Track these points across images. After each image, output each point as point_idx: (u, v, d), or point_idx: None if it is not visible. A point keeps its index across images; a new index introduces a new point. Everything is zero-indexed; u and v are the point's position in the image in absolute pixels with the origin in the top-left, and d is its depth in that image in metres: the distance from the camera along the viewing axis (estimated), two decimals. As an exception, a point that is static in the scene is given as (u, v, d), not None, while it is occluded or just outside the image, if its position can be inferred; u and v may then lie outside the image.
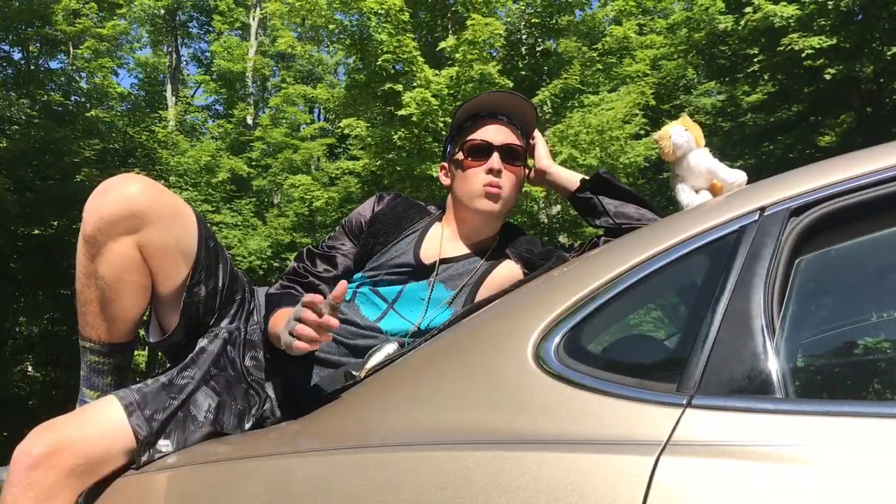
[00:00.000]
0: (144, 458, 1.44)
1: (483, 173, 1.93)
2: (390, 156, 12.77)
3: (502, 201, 1.94)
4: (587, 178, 2.02)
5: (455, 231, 2.00)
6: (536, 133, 2.12)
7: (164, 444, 1.47)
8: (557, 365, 1.09)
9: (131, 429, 1.44)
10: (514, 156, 1.97)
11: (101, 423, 1.44)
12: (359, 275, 1.95)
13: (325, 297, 1.50)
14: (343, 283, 1.46)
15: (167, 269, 1.67)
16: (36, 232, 15.80)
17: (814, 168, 1.17)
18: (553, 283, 1.30)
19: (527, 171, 2.10)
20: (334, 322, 1.43)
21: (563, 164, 11.50)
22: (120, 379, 1.73)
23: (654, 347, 1.44)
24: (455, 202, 2.01)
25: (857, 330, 1.23)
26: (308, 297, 1.47)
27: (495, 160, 1.93)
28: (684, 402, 0.95)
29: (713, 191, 1.72)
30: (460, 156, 1.99)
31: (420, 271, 1.91)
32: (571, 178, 2.07)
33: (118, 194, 1.57)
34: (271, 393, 1.75)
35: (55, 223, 15.74)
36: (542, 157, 2.12)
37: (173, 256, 1.66)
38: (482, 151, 1.94)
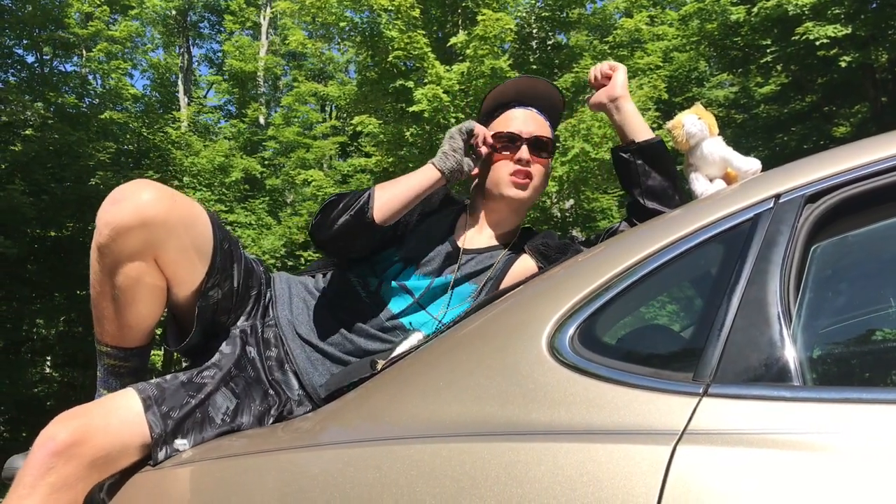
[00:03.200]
0: (161, 456, 1.45)
1: (511, 163, 1.94)
2: (402, 152, 12.78)
3: (531, 189, 1.96)
4: (644, 140, 1.93)
5: (480, 222, 2.00)
6: (618, 64, 2.05)
7: (181, 444, 1.48)
8: (572, 355, 1.09)
9: (147, 424, 1.45)
10: (543, 147, 1.97)
11: (123, 415, 1.45)
12: (391, 253, 1.92)
13: None
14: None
15: (182, 275, 1.67)
16: (52, 234, 15.91)
17: (829, 154, 1.16)
18: (567, 274, 1.30)
19: (552, 155, 2.07)
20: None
21: (574, 158, 11.48)
22: (137, 381, 1.73)
23: (670, 337, 1.43)
24: (482, 192, 2.01)
25: (875, 317, 1.22)
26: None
27: (524, 151, 1.93)
28: (701, 390, 0.95)
29: (727, 179, 1.71)
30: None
31: (452, 257, 1.91)
32: (636, 126, 1.96)
33: (131, 204, 1.53)
34: (290, 393, 1.75)
35: (70, 225, 15.85)
36: (619, 84, 2.00)
37: (188, 262, 1.66)
38: (511, 142, 1.95)
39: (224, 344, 1.74)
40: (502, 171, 1.94)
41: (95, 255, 1.58)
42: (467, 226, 1.98)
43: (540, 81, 2.06)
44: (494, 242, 1.98)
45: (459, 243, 1.93)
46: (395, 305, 1.85)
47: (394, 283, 1.88)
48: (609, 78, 2.03)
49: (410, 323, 1.83)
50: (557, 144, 2.05)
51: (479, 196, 2.03)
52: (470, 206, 2.04)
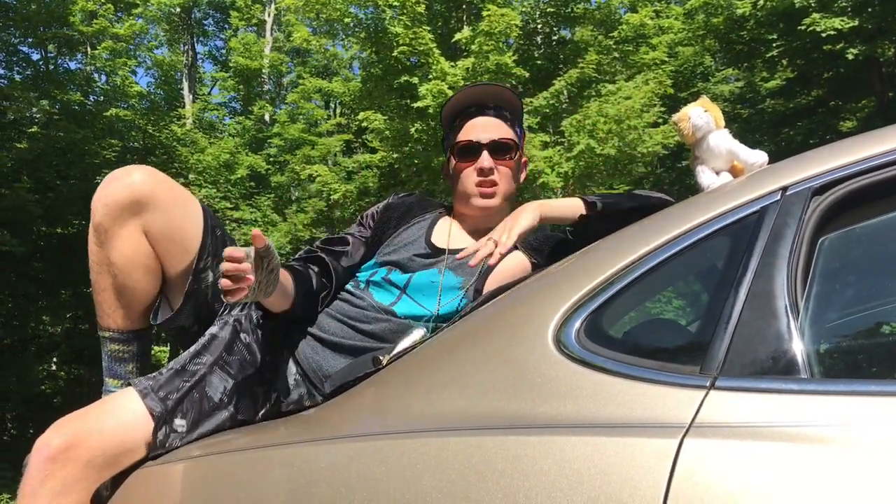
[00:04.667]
0: (161, 436, 1.47)
1: (474, 174, 1.94)
2: (407, 148, 12.77)
3: (499, 197, 1.96)
4: (591, 212, 1.79)
5: (460, 225, 2.02)
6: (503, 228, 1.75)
7: (180, 424, 1.51)
8: (578, 349, 1.08)
9: (146, 409, 1.47)
10: (504, 150, 1.96)
11: (119, 414, 1.47)
12: (371, 262, 1.96)
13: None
14: (257, 231, 1.38)
15: (173, 254, 1.74)
16: (58, 231, 15.94)
17: (837, 146, 1.15)
18: (572, 268, 1.29)
19: (523, 159, 2.08)
20: (247, 268, 1.35)
21: (580, 154, 11.44)
22: (142, 366, 1.78)
23: (676, 330, 1.43)
24: (456, 200, 2.04)
25: (883, 309, 1.21)
26: (228, 249, 1.38)
27: (485, 159, 1.93)
28: (708, 384, 0.94)
29: (734, 172, 1.70)
30: (452, 159, 2.02)
31: (430, 257, 1.92)
32: (568, 207, 1.83)
33: (122, 182, 1.65)
34: (287, 376, 1.77)
35: (76, 223, 15.86)
36: (524, 225, 1.74)
37: (178, 242, 1.73)
38: (471, 151, 1.95)
39: (216, 328, 1.77)
40: (468, 183, 1.95)
41: (92, 237, 1.69)
42: (450, 229, 2.00)
43: (490, 86, 2.08)
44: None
45: (442, 245, 1.94)
46: (385, 298, 1.86)
47: (381, 280, 1.90)
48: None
49: (402, 314, 1.82)
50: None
51: (455, 202, 2.05)
52: (452, 208, 2.07)
